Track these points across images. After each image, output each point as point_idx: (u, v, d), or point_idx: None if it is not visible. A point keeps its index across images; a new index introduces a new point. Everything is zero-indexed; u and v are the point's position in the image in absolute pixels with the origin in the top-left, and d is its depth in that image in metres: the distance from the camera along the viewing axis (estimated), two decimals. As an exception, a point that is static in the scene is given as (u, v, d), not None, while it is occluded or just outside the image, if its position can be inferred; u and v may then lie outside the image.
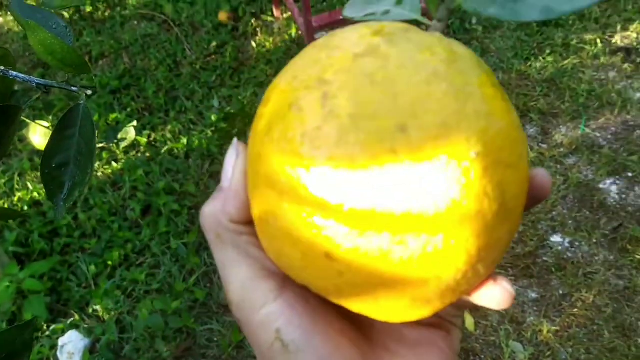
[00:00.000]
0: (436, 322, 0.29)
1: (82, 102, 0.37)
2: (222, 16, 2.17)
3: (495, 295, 0.25)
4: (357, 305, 0.24)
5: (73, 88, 0.38)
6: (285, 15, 2.15)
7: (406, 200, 0.20)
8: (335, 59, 0.22)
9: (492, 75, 0.24)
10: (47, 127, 0.87)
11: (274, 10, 2.14)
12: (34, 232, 1.57)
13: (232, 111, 1.83)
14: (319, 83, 0.22)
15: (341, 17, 1.76)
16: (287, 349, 0.25)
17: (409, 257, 0.21)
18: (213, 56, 2.07)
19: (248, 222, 0.26)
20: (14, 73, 0.38)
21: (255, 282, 0.26)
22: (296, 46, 2.03)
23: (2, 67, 0.38)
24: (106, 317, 1.42)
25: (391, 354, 0.27)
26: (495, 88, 0.23)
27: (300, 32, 2.05)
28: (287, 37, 2.08)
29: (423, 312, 0.24)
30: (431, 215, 0.21)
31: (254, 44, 2.07)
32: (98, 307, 1.43)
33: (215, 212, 0.27)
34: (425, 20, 0.26)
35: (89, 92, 0.38)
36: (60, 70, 0.37)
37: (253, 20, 2.15)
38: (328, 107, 0.21)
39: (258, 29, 2.13)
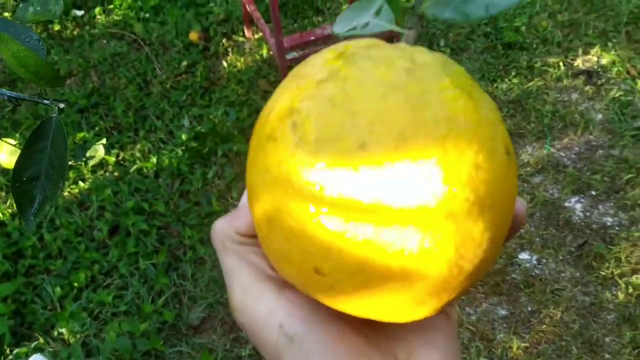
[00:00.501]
0: None
1: (54, 115, 0.37)
2: (193, 36, 2.17)
3: None
4: (356, 311, 0.25)
5: (45, 101, 0.38)
6: (256, 36, 2.16)
7: (375, 218, 0.21)
8: (302, 88, 0.24)
9: (460, 76, 0.24)
10: (15, 145, 0.85)
11: (245, 30, 2.15)
12: (-4, 253, 1.52)
13: (202, 130, 1.82)
14: (289, 113, 0.23)
15: (312, 38, 1.78)
16: (292, 341, 0.25)
17: (392, 262, 0.22)
18: (183, 75, 2.06)
19: (255, 236, 0.28)
20: (-16, 85, 0.38)
21: (255, 284, 0.27)
22: (267, 66, 2.05)
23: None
24: (72, 340, 1.38)
25: (396, 340, 0.28)
26: (460, 89, 0.23)
27: (271, 53, 2.06)
28: (258, 57, 2.09)
29: (423, 311, 0.24)
30: (401, 220, 0.21)
31: (225, 63, 2.08)
32: (63, 330, 1.39)
33: (224, 225, 0.29)
34: (400, 30, 0.27)
35: (62, 106, 0.38)
36: (33, 82, 0.36)
37: (224, 41, 2.16)
38: (298, 135, 0.22)
39: (229, 49, 2.13)
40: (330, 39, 1.81)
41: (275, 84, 1.97)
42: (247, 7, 1.98)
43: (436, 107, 0.22)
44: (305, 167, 0.22)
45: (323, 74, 0.24)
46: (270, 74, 2.01)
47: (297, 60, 1.81)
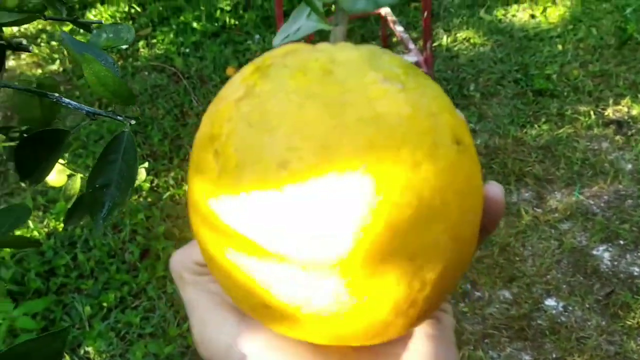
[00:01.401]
0: None
1: (126, 130, 0.41)
2: (230, 71, 2.25)
3: None
4: (319, 340, 0.23)
5: (119, 117, 0.42)
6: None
7: (307, 244, 0.19)
8: (221, 111, 0.22)
9: (392, 67, 0.22)
10: (63, 164, 0.90)
11: (281, 68, 2.22)
12: (30, 271, 1.57)
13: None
14: (211, 140, 0.22)
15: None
16: None
17: (334, 299, 0.20)
18: (219, 108, 2.13)
19: None
20: (66, 100, 0.42)
21: (215, 314, 0.26)
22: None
23: (56, 94, 0.42)
24: (98, 359, 1.40)
25: (375, 354, 0.26)
26: (390, 82, 0.21)
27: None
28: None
29: (391, 332, 0.22)
30: (336, 254, 0.19)
31: (259, 98, 2.14)
32: (90, 349, 1.41)
33: (182, 256, 0.28)
34: (328, 27, 0.25)
35: (133, 122, 0.42)
36: (110, 100, 0.40)
37: (260, 76, 2.23)
38: (220, 163, 0.21)
39: (264, 85, 2.20)
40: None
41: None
42: (284, 45, 2.06)
43: (360, 107, 0.20)
44: (229, 198, 0.20)
45: (240, 92, 0.22)
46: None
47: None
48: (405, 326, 0.22)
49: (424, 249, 0.20)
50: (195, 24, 2.46)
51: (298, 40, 0.25)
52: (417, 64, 1.88)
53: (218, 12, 2.52)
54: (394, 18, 2.04)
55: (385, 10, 2.07)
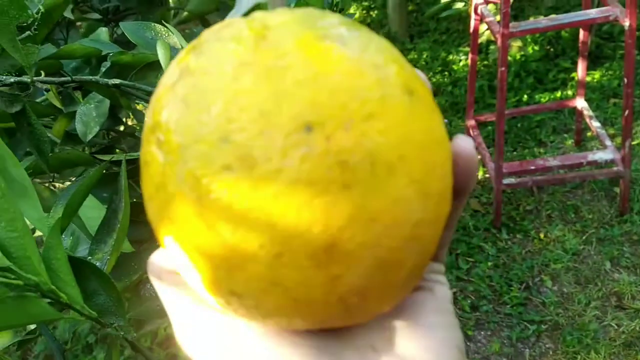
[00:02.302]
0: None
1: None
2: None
3: None
4: (305, 325, 0.22)
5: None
6: (474, 158, 2.25)
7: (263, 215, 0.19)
8: (159, 97, 0.21)
9: (331, 23, 0.21)
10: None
11: (465, 152, 2.26)
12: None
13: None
14: (152, 131, 0.21)
15: (532, 167, 1.81)
16: None
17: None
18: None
19: None
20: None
21: (196, 312, 0.25)
22: (480, 187, 2.11)
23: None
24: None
25: (368, 331, 0.24)
26: (330, 39, 0.20)
27: (487, 175, 2.13)
28: (473, 178, 2.17)
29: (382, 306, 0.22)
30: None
31: (440, 179, 2.19)
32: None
33: (160, 257, 0.26)
34: None
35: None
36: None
37: (443, 158, 2.29)
38: (163, 151, 0.20)
39: (446, 167, 2.25)
40: (550, 171, 1.82)
41: (486, 205, 2.02)
42: (471, 131, 2.10)
43: (296, 69, 0.19)
44: (181, 182, 0.19)
45: (175, 76, 0.21)
46: (483, 195, 2.07)
47: (513, 186, 1.85)
48: (390, 300, 0.22)
49: (387, 207, 0.19)
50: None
51: (247, 13, 0.25)
52: (613, 161, 1.80)
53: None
54: (590, 113, 1.99)
55: (581, 105, 2.03)
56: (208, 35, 0.22)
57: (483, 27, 2.31)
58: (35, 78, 0.50)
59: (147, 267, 0.27)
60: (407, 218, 0.20)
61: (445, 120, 2.42)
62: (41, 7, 0.48)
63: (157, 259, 0.26)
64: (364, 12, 3.33)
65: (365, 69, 0.20)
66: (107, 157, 0.71)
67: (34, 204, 0.48)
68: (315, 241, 0.19)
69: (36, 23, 0.47)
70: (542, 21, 1.61)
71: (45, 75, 0.59)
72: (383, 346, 0.23)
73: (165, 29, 0.61)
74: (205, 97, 0.19)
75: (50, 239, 0.39)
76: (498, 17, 1.69)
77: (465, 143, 0.24)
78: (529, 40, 2.67)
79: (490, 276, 1.79)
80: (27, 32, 0.47)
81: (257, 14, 0.22)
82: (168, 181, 0.20)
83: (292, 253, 0.19)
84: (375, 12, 3.30)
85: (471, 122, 2.12)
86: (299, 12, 0.22)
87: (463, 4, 0.99)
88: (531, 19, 2.72)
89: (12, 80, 0.48)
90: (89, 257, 0.46)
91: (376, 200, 0.19)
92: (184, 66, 0.21)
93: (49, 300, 0.38)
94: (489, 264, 1.82)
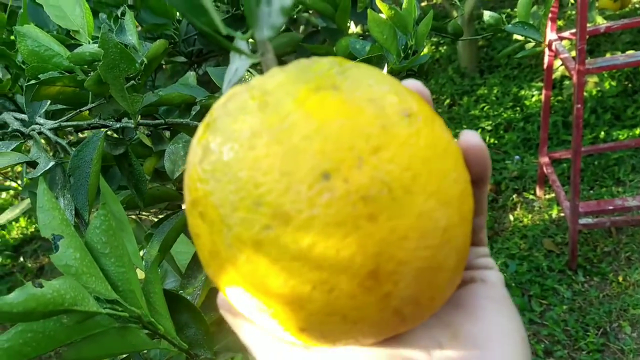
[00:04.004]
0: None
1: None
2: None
3: None
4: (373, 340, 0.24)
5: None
6: (547, 196, 2.19)
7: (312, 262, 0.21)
8: (191, 176, 0.23)
9: (320, 73, 0.23)
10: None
11: (537, 189, 2.20)
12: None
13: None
14: (194, 204, 0.23)
15: (610, 207, 1.74)
16: None
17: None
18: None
19: None
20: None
21: (273, 340, 0.26)
22: (555, 226, 2.04)
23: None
24: None
25: (432, 328, 0.26)
26: (323, 89, 0.22)
27: (562, 214, 2.06)
28: (546, 216, 2.11)
29: (434, 305, 0.23)
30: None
31: (511, 217, 2.14)
32: None
33: (245, 325, 0.28)
34: (258, 59, 0.26)
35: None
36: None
37: (514, 196, 2.24)
38: (207, 223, 0.22)
39: (517, 204, 2.20)
40: (629, 211, 1.74)
41: (561, 245, 1.95)
42: (544, 169, 2.05)
43: (301, 126, 0.21)
44: (229, 247, 0.22)
45: (199, 155, 0.23)
46: (557, 235, 2.00)
47: (590, 227, 1.78)
48: (452, 286, 0.23)
49: (414, 223, 0.21)
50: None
51: (239, 80, 0.27)
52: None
53: (479, 130, 2.63)
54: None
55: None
56: (218, 111, 0.24)
57: (557, 63, 2.27)
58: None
59: (218, 303, 0.29)
60: (435, 227, 0.21)
61: (517, 157, 2.38)
62: (144, 59, 0.53)
63: (220, 301, 0.28)
64: (433, 47, 3.34)
65: (361, 106, 0.22)
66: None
67: (129, 238, 0.52)
68: (359, 271, 0.20)
69: (140, 74, 0.51)
70: (620, 57, 1.57)
71: (141, 118, 0.64)
72: (448, 342, 0.25)
73: (248, 72, 0.65)
74: (230, 170, 0.21)
75: (149, 274, 0.42)
76: (573, 53, 1.66)
77: (470, 136, 0.25)
78: (606, 75, 2.59)
79: (565, 320, 1.71)
80: (132, 82, 0.51)
81: (255, 81, 0.24)
82: (219, 248, 0.22)
83: (342, 286, 0.21)
84: (445, 47, 3.30)
85: (545, 159, 2.07)
86: (291, 68, 0.24)
87: (536, 43, 0.99)
88: (608, 54, 2.65)
89: (117, 125, 0.53)
90: (180, 292, 0.49)
91: (402, 220, 0.21)
92: (205, 144, 0.23)
93: (147, 331, 0.41)
94: (564, 307, 1.75)
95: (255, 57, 0.25)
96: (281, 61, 1.16)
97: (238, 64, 0.27)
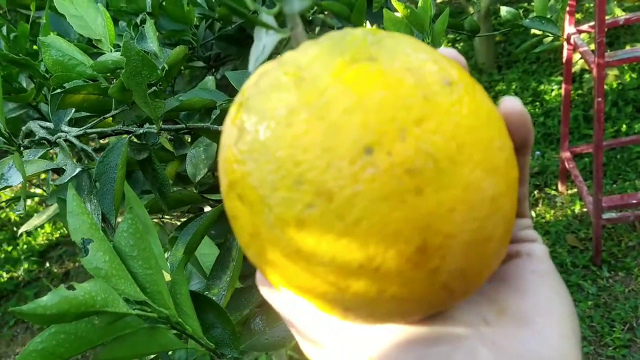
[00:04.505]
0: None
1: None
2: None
3: None
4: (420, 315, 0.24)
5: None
6: (569, 191, 2.17)
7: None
8: (227, 158, 0.23)
9: (355, 45, 0.22)
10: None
11: (559, 185, 2.18)
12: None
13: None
14: (231, 188, 0.23)
15: (633, 201, 1.72)
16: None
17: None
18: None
19: None
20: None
21: (315, 314, 0.26)
22: (578, 222, 2.02)
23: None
24: None
25: (476, 305, 0.25)
26: (359, 62, 0.21)
27: (584, 210, 2.04)
28: (569, 212, 2.08)
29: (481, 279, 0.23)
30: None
31: (533, 213, 2.12)
32: None
33: (286, 300, 0.27)
34: (287, 34, 0.25)
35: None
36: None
37: (536, 192, 2.22)
38: (247, 205, 0.22)
39: (539, 200, 2.18)
40: (654, 205, 1.72)
41: (584, 241, 1.93)
42: (566, 163, 2.03)
43: (340, 100, 0.20)
44: (272, 228, 0.21)
45: (234, 136, 0.23)
46: (581, 230, 1.98)
47: (614, 221, 1.76)
48: (499, 257, 0.23)
49: (461, 195, 0.20)
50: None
51: (268, 57, 0.25)
52: None
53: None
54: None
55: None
56: (250, 90, 0.23)
57: (576, 56, 2.24)
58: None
59: (257, 280, 0.29)
60: (482, 197, 0.21)
61: (538, 152, 2.35)
62: (165, 65, 0.54)
63: (281, 299, 0.27)
64: (450, 44, 3.33)
65: (401, 76, 0.21)
66: (214, 197, 0.77)
67: (154, 241, 0.53)
68: (407, 247, 0.20)
69: (161, 80, 0.52)
70: (641, 49, 1.55)
71: (163, 123, 0.65)
72: (494, 318, 0.24)
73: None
74: (268, 149, 0.21)
75: (176, 275, 0.43)
76: (592, 46, 1.64)
77: (512, 103, 0.24)
78: (626, 68, 2.56)
79: (591, 316, 1.69)
80: (154, 88, 0.52)
81: (288, 56, 0.23)
82: (259, 230, 0.22)
83: (389, 262, 0.20)
84: (461, 44, 3.29)
85: (566, 154, 2.05)
86: (324, 41, 0.23)
87: (554, 37, 0.98)
88: (627, 47, 2.61)
89: (140, 131, 0.54)
90: (206, 292, 0.50)
91: (449, 192, 0.20)
92: (239, 124, 0.22)
93: (174, 331, 0.42)
94: (589, 303, 1.73)
95: (284, 31, 0.24)
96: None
97: (265, 40, 0.25)
